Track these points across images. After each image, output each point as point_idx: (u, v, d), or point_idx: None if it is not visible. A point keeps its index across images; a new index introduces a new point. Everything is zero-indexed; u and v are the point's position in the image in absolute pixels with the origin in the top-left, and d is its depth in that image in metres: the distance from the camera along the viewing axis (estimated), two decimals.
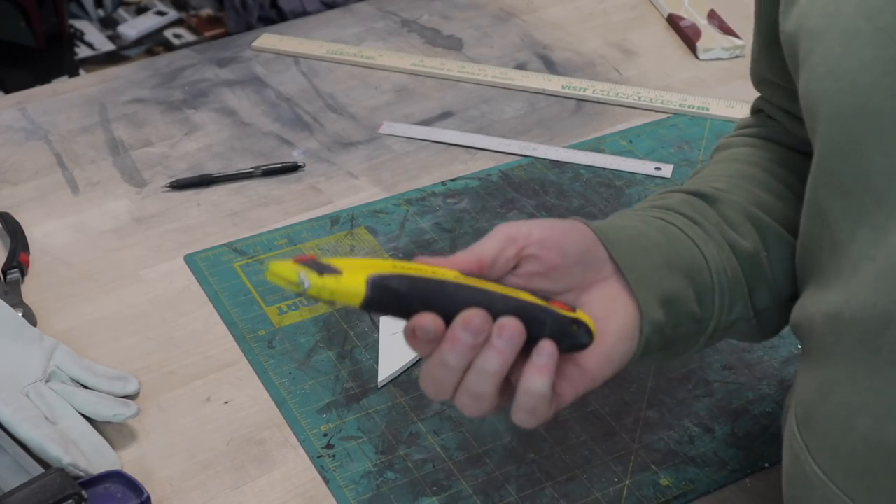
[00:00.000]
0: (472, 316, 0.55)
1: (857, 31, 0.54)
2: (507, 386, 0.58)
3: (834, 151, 0.56)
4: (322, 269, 0.53)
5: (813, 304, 0.59)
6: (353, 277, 0.54)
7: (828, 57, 0.55)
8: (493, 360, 0.55)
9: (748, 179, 0.72)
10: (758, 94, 0.79)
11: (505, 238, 0.59)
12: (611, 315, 0.61)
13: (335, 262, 0.54)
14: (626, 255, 0.63)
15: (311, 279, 0.53)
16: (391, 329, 0.87)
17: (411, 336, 0.56)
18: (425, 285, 0.56)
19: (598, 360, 0.60)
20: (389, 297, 0.55)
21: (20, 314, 0.87)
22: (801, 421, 0.60)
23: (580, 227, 0.63)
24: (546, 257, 0.60)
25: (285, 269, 0.53)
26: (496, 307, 0.57)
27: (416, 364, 0.85)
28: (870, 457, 0.54)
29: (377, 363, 0.85)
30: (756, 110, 0.79)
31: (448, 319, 0.56)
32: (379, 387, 0.83)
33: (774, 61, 0.70)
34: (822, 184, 0.58)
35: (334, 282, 0.53)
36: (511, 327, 0.55)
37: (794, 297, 0.70)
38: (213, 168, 1.08)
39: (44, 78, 1.32)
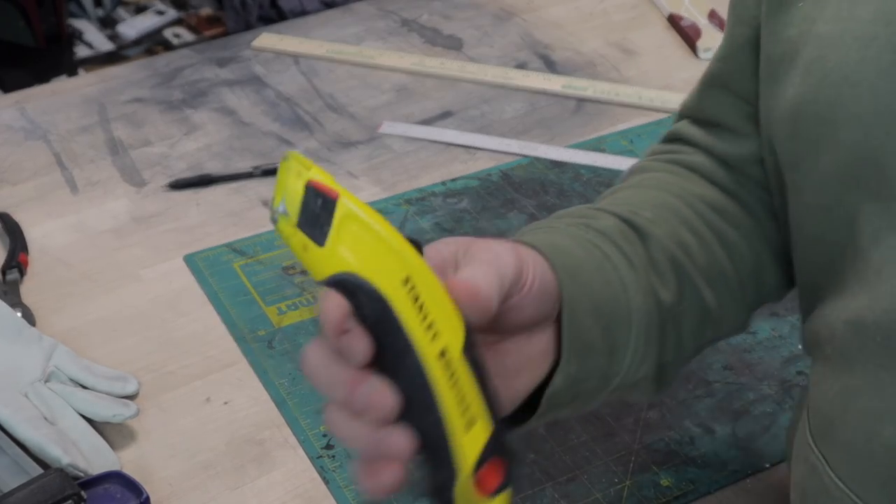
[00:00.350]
0: (385, 400, 0.45)
1: (874, 37, 0.54)
2: None
3: (854, 157, 0.55)
4: (307, 224, 0.43)
5: (833, 312, 0.58)
6: (325, 261, 0.43)
7: (843, 63, 0.55)
8: (363, 445, 0.46)
9: (673, 213, 0.66)
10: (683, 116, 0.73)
11: (514, 284, 0.51)
12: (524, 372, 0.55)
13: (344, 227, 0.43)
14: (570, 302, 0.55)
15: (284, 222, 0.43)
16: None
17: (336, 334, 0.45)
18: (390, 331, 0.44)
19: None
20: (348, 298, 0.44)
21: (19, 314, 0.87)
22: (817, 433, 0.59)
23: (550, 273, 0.55)
24: (519, 316, 0.52)
25: (286, 186, 0.43)
26: (423, 420, 0.45)
27: None
28: (894, 465, 0.54)
29: None
30: (673, 138, 0.73)
31: (382, 367, 0.45)
32: None
33: (743, 64, 0.67)
34: (843, 189, 0.57)
35: (299, 244, 0.43)
36: (400, 452, 0.46)
37: (692, 354, 0.66)
38: (213, 168, 1.08)
39: (43, 77, 1.31)
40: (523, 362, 0.55)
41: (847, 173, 0.56)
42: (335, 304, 0.44)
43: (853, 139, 0.55)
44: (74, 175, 1.07)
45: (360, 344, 0.44)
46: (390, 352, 0.45)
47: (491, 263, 0.49)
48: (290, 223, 0.43)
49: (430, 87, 1.21)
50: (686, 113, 0.72)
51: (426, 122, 1.16)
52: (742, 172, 0.68)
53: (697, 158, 0.70)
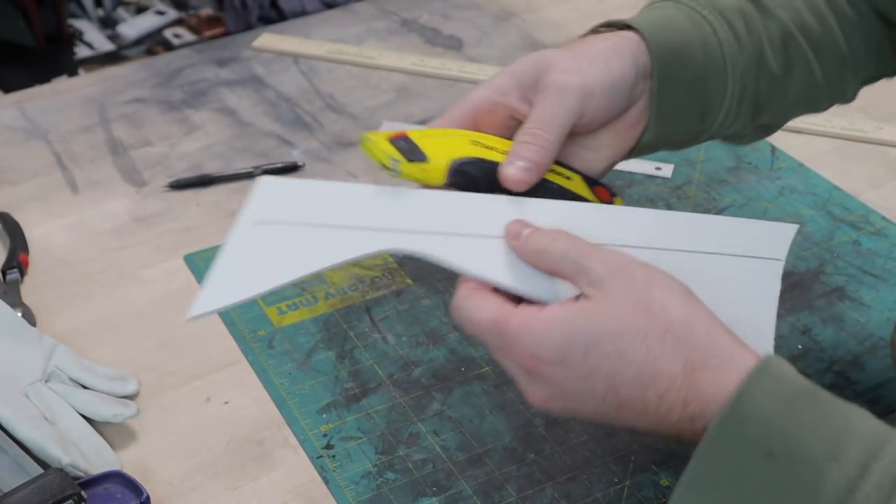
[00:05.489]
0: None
1: None
2: None
3: None
4: (412, 156, 0.64)
5: None
6: (436, 165, 0.64)
7: None
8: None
9: None
10: None
11: (577, 117, 0.66)
12: (621, 137, 0.70)
13: (423, 143, 0.65)
14: (662, 79, 0.69)
15: (401, 166, 0.64)
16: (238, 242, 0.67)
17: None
18: (495, 171, 0.65)
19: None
20: (464, 181, 0.65)
21: (19, 314, 0.87)
22: None
23: (643, 57, 0.68)
24: (595, 122, 0.68)
25: (379, 149, 0.64)
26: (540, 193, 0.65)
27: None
28: None
29: (377, 363, 0.85)
30: None
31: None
32: (191, 318, 0.60)
33: None
34: None
35: (419, 170, 0.64)
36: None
37: (797, 115, 0.77)
38: (213, 168, 1.08)
39: (43, 77, 1.31)
40: (620, 130, 0.70)
41: None
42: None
43: None
44: (75, 175, 1.07)
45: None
46: (499, 184, 0.65)
47: (554, 104, 0.66)
48: (403, 165, 0.64)
49: (429, 88, 1.21)
50: None
51: (426, 122, 1.15)
52: None
53: None
